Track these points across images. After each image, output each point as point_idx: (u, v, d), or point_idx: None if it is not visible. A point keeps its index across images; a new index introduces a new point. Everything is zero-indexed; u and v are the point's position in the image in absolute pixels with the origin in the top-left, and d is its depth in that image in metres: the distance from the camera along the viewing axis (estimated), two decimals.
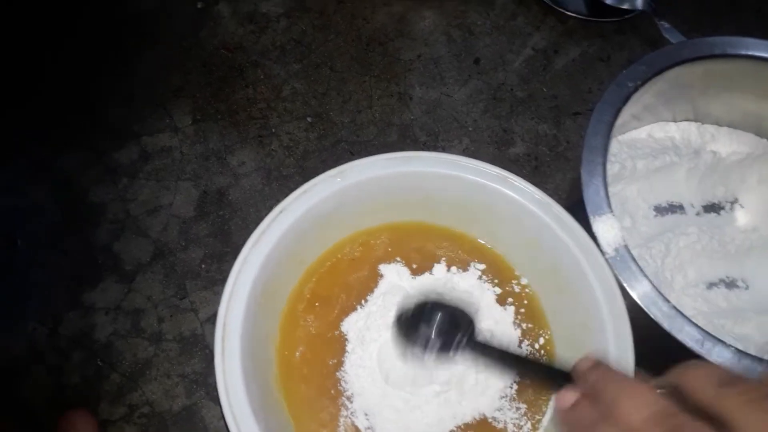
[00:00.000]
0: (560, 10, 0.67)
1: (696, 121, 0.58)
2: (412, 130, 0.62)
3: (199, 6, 0.68)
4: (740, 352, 0.39)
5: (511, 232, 0.50)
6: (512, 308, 0.49)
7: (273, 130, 0.61)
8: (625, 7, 0.65)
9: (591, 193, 0.45)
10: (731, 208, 0.54)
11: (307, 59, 0.65)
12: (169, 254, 0.55)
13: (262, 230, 0.46)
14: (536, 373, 0.38)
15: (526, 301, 0.49)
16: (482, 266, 0.50)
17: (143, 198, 0.57)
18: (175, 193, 0.58)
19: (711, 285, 0.50)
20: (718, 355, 0.39)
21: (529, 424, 0.45)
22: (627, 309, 0.42)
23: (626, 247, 0.43)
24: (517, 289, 0.50)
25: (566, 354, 0.46)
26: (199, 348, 0.51)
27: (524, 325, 0.48)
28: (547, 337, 0.48)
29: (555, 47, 0.66)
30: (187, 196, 0.58)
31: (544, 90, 0.64)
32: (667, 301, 0.41)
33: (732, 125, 0.57)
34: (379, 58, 0.65)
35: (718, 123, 0.57)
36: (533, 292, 0.49)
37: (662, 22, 0.63)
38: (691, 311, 0.49)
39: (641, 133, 0.57)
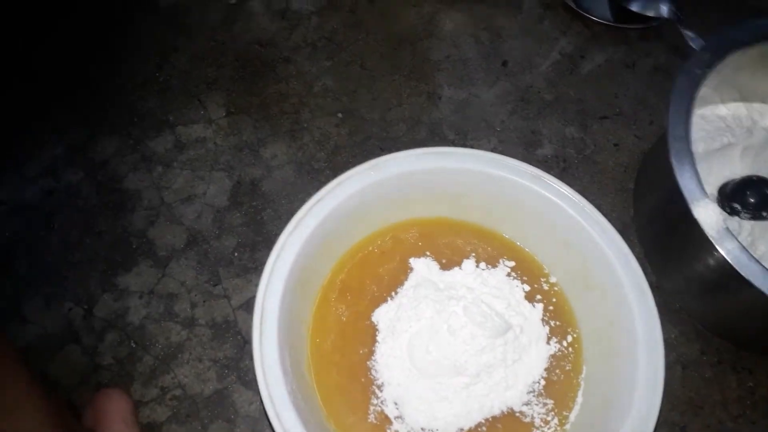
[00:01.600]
0: (586, 15, 0.68)
1: (742, 101, 0.59)
2: (440, 128, 0.63)
3: (232, 2, 0.69)
4: None
5: (541, 230, 0.51)
6: (541, 305, 0.50)
7: (305, 124, 0.62)
8: (650, 14, 0.67)
9: (686, 181, 0.46)
10: None
11: (337, 57, 0.66)
12: (202, 242, 0.56)
13: (299, 218, 0.47)
14: None
15: (554, 299, 0.50)
16: (511, 263, 0.52)
17: (177, 186, 0.59)
18: (209, 183, 0.59)
19: None
20: None
21: (556, 420, 0.46)
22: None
23: (729, 231, 0.44)
24: (545, 287, 0.51)
25: (594, 351, 0.47)
26: (231, 334, 0.52)
27: (552, 323, 0.50)
28: (575, 335, 0.49)
29: (581, 52, 0.67)
30: (221, 185, 0.59)
31: (571, 93, 0.65)
32: None
33: None
34: (408, 57, 0.67)
35: (765, 101, 0.59)
36: (561, 290, 0.50)
37: (687, 31, 0.64)
38: None
39: (693, 115, 0.59)
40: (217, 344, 0.52)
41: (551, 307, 0.50)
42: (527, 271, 0.51)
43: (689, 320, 0.54)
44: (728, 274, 0.44)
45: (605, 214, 0.58)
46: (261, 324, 0.43)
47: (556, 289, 0.51)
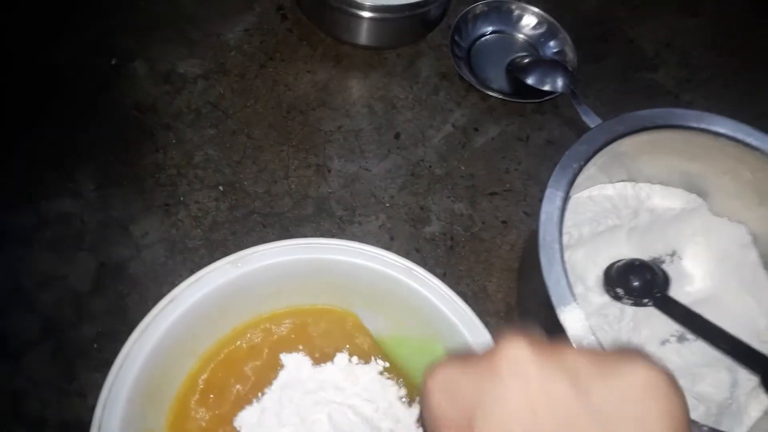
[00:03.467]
0: (482, 89, 0.67)
1: (630, 180, 0.59)
2: (328, 203, 0.61)
3: (113, 63, 0.65)
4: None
5: (415, 323, 0.49)
6: (418, 407, 0.48)
7: (181, 198, 0.59)
8: (546, 89, 0.67)
9: (553, 284, 0.44)
10: (671, 261, 0.56)
11: (222, 125, 0.63)
12: (59, 331, 0.52)
13: (147, 322, 0.43)
14: (716, 340, 0.47)
15: None
16: (385, 364, 0.49)
17: (36, 269, 0.54)
18: (71, 265, 0.55)
19: (664, 341, 0.52)
20: None
21: None
22: None
23: (596, 337, 0.43)
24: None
25: None
26: None
27: None
28: None
29: (475, 125, 0.67)
30: (84, 268, 0.55)
31: (462, 168, 0.64)
32: None
33: (663, 182, 0.59)
34: (298, 127, 0.64)
35: (651, 181, 0.59)
36: None
37: (581, 106, 0.65)
38: None
39: (581, 197, 0.58)
40: None
41: None
42: (401, 371, 0.49)
43: None
44: None
45: (490, 296, 0.57)
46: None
47: None
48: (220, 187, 0.60)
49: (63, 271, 0.54)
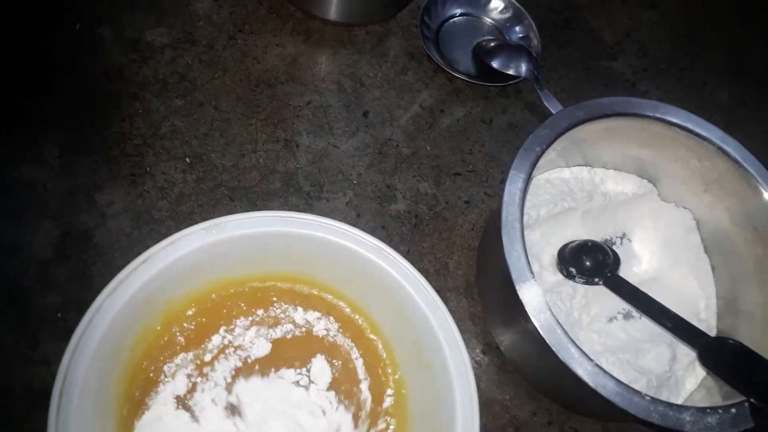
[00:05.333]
0: (449, 70, 0.69)
1: (586, 165, 0.62)
2: (296, 178, 0.62)
3: (77, 27, 0.64)
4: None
5: (380, 299, 0.51)
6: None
7: (147, 169, 0.59)
8: (510, 72, 0.68)
9: (514, 261, 0.46)
10: (621, 243, 0.59)
11: (190, 96, 0.63)
12: (23, 300, 0.52)
13: (121, 278, 0.44)
14: (660, 317, 0.50)
15: (389, 369, 0.50)
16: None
17: None
18: (35, 232, 0.54)
19: (611, 318, 0.55)
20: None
21: None
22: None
23: (551, 312, 0.45)
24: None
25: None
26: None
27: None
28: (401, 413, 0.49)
29: (441, 106, 0.68)
30: (48, 236, 0.54)
31: (428, 148, 0.65)
32: (590, 359, 0.43)
33: (617, 168, 0.62)
34: (267, 101, 0.65)
35: (606, 166, 0.62)
36: (397, 360, 0.51)
37: (543, 91, 0.67)
38: (598, 347, 0.53)
39: (539, 180, 0.61)
40: (33, 416, 0.48)
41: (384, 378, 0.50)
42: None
43: (523, 382, 0.56)
44: (543, 346, 0.45)
45: (451, 272, 0.59)
46: (60, 397, 0.40)
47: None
48: (187, 159, 0.60)
49: (26, 239, 0.54)
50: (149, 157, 0.59)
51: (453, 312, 0.48)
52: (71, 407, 0.41)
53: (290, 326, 0.51)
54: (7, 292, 0.52)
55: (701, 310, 0.56)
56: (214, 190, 0.59)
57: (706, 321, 0.56)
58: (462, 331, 0.47)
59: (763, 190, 0.51)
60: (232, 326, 0.50)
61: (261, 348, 0.49)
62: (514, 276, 0.46)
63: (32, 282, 0.52)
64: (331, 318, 0.52)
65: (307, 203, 0.60)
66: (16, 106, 0.59)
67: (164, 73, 0.64)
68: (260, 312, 0.51)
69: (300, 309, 0.51)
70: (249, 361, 0.49)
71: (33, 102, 0.59)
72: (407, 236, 0.61)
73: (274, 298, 0.51)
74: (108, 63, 0.63)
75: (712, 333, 0.56)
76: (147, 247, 0.46)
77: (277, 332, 0.50)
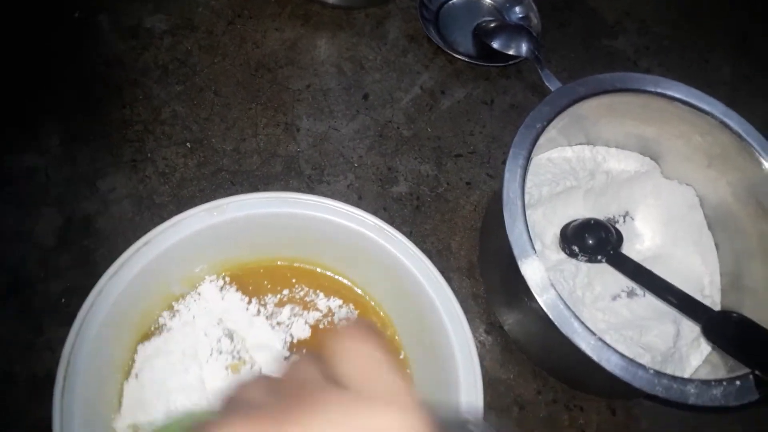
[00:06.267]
0: (449, 52, 0.68)
1: (588, 144, 0.62)
2: (297, 162, 0.61)
3: (76, 15, 0.64)
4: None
5: (383, 279, 0.51)
6: None
7: (149, 154, 0.59)
8: (510, 53, 0.68)
9: (515, 238, 0.46)
10: (624, 221, 0.59)
11: (190, 81, 0.63)
12: (26, 287, 0.52)
13: (123, 261, 0.44)
14: (664, 293, 0.50)
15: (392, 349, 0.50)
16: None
17: (0, 223, 0.54)
18: (37, 219, 0.54)
19: (615, 296, 0.55)
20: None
21: None
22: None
23: (554, 288, 0.45)
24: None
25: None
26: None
27: None
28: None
29: (442, 87, 0.68)
30: (50, 223, 0.54)
31: (429, 130, 0.65)
32: (594, 334, 0.43)
33: (619, 146, 0.62)
34: (267, 85, 0.64)
35: (608, 145, 0.62)
36: (400, 340, 0.51)
37: (544, 70, 0.66)
38: (602, 324, 0.53)
39: (541, 159, 0.60)
40: (37, 402, 0.48)
41: None
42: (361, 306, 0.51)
43: (527, 361, 0.56)
44: (547, 322, 0.45)
45: (454, 253, 0.59)
46: (65, 381, 0.41)
47: (396, 339, 0.51)
48: (188, 144, 0.60)
49: (28, 226, 0.54)
50: (150, 143, 0.59)
51: (456, 292, 0.48)
52: (75, 391, 0.41)
53: (318, 314, 0.51)
54: (10, 280, 0.52)
55: (705, 287, 0.56)
56: (215, 175, 0.59)
57: (710, 297, 0.56)
58: (465, 312, 0.47)
59: (766, 163, 0.51)
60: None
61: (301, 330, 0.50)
62: (516, 252, 0.46)
63: (35, 269, 0.52)
64: (351, 305, 0.52)
65: (308, 186, 0.60)
66: (16, 95, 0.59)
67: (164, 59, 0.63)
68: (285, 292, 0.51)
69: (321, 294, 0.52)
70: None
71: (33, 91, 0.59)
72: (409, 218, 0.61)
73: (294, 279, 0.52)
74: (108, 50, 0.63)
75: (717, 309, 0.55)
76: (148, 231, 0.46)
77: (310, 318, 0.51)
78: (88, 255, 0.53)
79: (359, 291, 0.52)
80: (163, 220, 0.47)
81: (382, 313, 0.51)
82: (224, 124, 0.62)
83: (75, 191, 0.56)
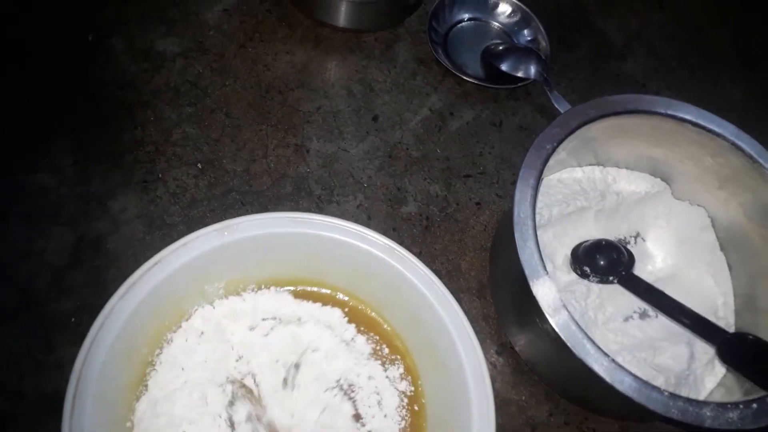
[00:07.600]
0: (458, 74, 0.69)
1: (598, 164, 0.62)
2: (307, 182, 0.62)
3: (90, 38, 0.65)
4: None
5: (395, 300, 0.50)
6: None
7: (160, 175, 0.59)
8: (519, 75, 0.69)
9: (527, 258, 0.46)
10: (635, 242, 0.59)
11: (201, 103, 0.64)
12: (37, 305, 0.52)
13: (133, 281, 0.44)
14: (677, 314, 0.49)
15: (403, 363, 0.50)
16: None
17: (12, 242, 0.54)
18: (49, 239, 0.55)
19: (627, 318, 0.54)
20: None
21: None
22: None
23: (566, 308, 0.45)
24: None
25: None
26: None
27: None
28: (418, 407, 0.49)
29: (451, 109, 0.68)
30: (62, 242, 0.55)
31: (438, 151, 0.65)
32: (607, 356, 0.43)
33: (630, 167, 0.61)
34: (277, 107, 0.65)
35: (618, 165, 0.62)
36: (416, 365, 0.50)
37: (553, 92, 0.67)
38: (615, 346, 0.52)
39: (551, 180, 0.60)
40: (45, 420, 0.48)
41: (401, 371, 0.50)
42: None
43: (539, 383, 0.55)
44: (559, 343, 0.45)
45: (463, 273, 0.59)
46: (74, 399, 0.40)
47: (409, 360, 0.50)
48: (199, 165, 0.60)
49: (40, 245, 0.54)
50: (161, 164, 0.60)
51: (466, 313, 0.47)
52: (85, 410, 0.41)
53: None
54: (21, 298, 0.52)
55: (719, 308, 0.56)
56: (225, 195, 0.59)
57: (725, 319, 0.55)
58: (476, 333, 0.47)
59: None
60: None
61: None
62: (527, 273, 0.46)
63: (46, 288, 0.52)
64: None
65: (318, 207, 0.60)
66: (30, 115, 0.60)
67: (175, 81, 0.64)
68: None
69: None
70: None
71: (47, 111, 0.60)
72: (418, 238, 0.61)
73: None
74: (120, 72, 0.64)
75: (731, 330, 0.55)
76: (159, 251, 0.47)
77: None
78: (99, 274, 0.54)
79: (374, 315, 0.52)
80: (173, 240, 0.47)
81: (399, 344, 0.51)
82: (235, 145, 0.62)
83: (87, 211, 0.56)
